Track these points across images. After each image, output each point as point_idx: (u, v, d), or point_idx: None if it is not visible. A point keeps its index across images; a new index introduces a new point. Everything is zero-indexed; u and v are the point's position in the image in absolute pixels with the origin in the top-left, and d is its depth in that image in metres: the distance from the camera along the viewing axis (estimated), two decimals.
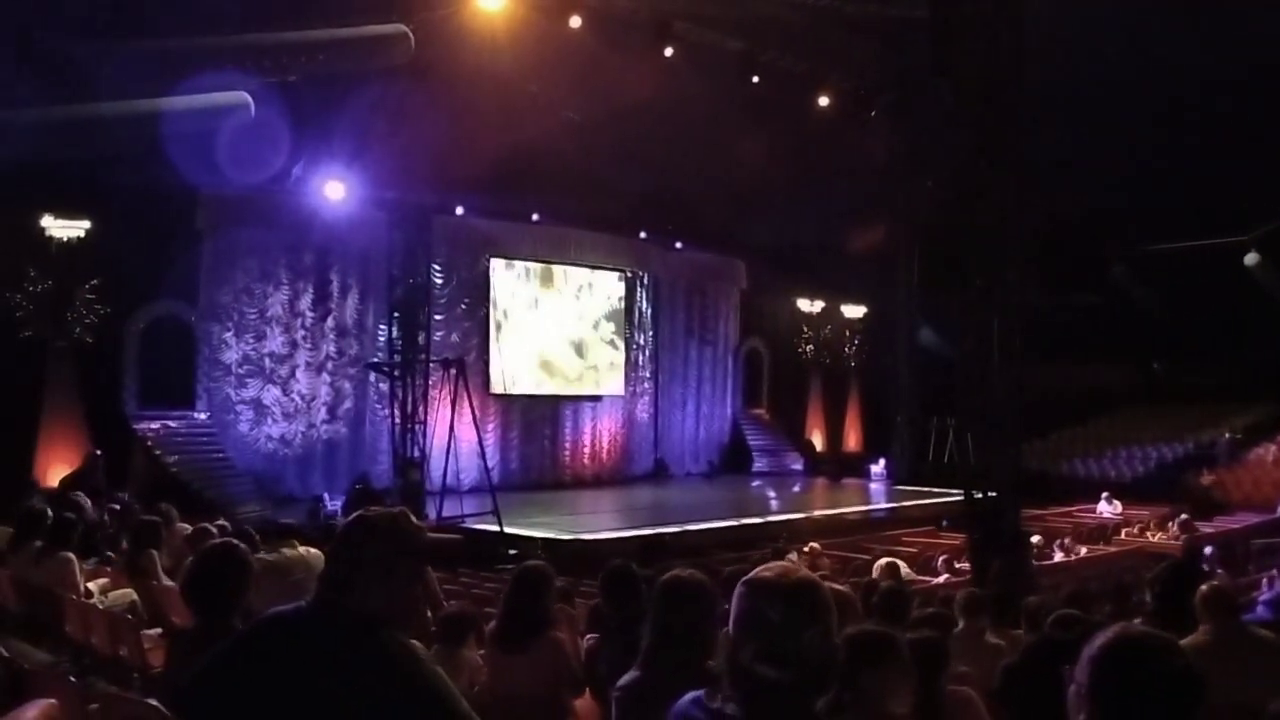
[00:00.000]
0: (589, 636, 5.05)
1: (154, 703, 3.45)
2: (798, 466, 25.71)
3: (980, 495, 11.08)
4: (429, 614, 5.90)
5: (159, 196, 15.21)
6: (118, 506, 12.16)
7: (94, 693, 3.99)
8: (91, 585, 6.83)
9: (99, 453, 14.29)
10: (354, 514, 2.47)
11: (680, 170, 18.97)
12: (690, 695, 1.98)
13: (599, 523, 16.73)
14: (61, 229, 15.15)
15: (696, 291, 25.39)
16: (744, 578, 2.00)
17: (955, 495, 17.45)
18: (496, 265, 21.40)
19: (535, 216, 21.22)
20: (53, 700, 3.48)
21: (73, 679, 4.16)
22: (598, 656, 4.30)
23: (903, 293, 23.63)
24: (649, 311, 24.34)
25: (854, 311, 26.84)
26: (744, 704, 1.90)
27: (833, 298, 26.30)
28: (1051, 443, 23.38)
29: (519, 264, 21.83)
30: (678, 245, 24.07)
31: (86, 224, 15.20)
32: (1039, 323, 14.95)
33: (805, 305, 26.31)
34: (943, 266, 14.26)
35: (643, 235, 23.22)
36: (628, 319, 23.84)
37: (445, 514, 15.80)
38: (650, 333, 24.36)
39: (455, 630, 4.89)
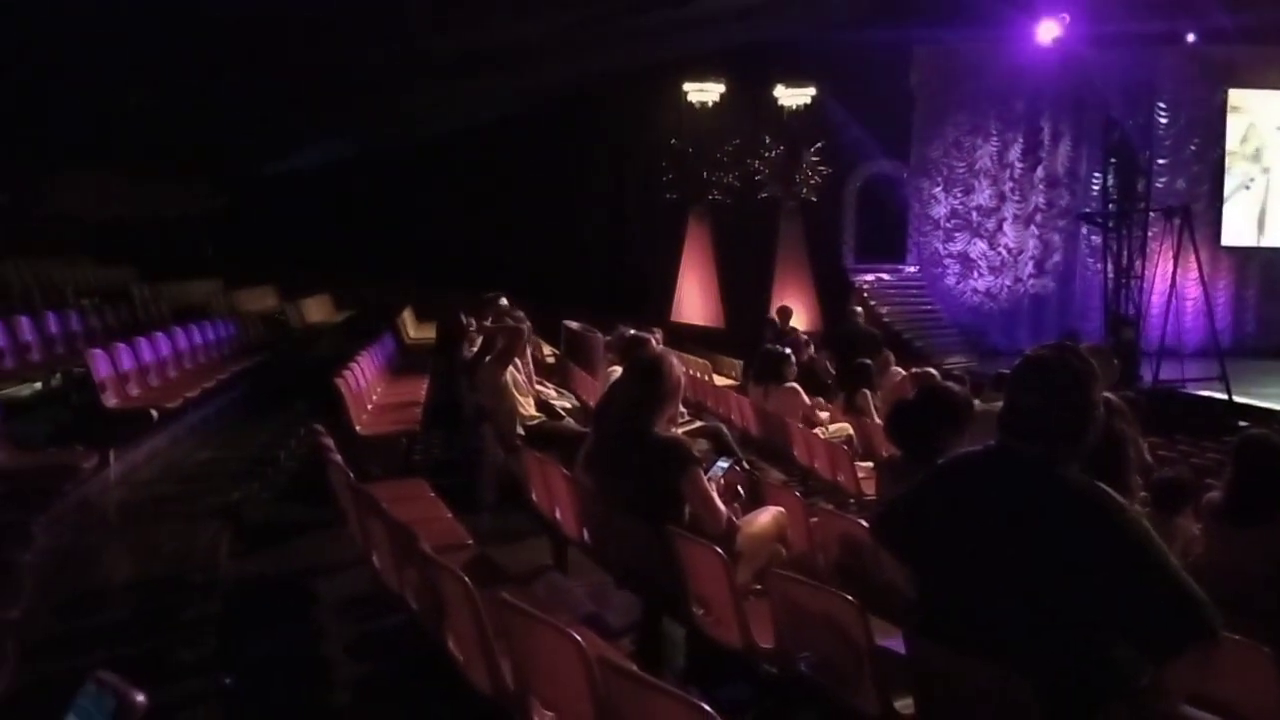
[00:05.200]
0: None
1: (863, 523, 3.79)
2: None
3: None
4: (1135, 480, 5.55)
5: (876, 60, 15.89)
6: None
7: (815, 508, 4.51)
8: (817, 416, 7.63)
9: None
10: (1023, 355, 2.41)
11: None
12: None
13: None
14: (791, 97, 16.65)
15: None
16: None
17: None
18: (1236, 98, 18.48)
19: None
20: (782, 509, 4.02)
21: (798, 494, 4.75)
22: None
23: None
24: None
25: None
26: None
27: None
28: None
29: (1267, 94, 18.56)
30: None
31: (812, 91, 16.50)
32: None
33: None
34: None
35: None
36: None
37: (1163, 377, 14.56)
38: None
39: (1169, 496, 4.54)
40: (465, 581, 2.85)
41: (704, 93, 16.79)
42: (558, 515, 4.77)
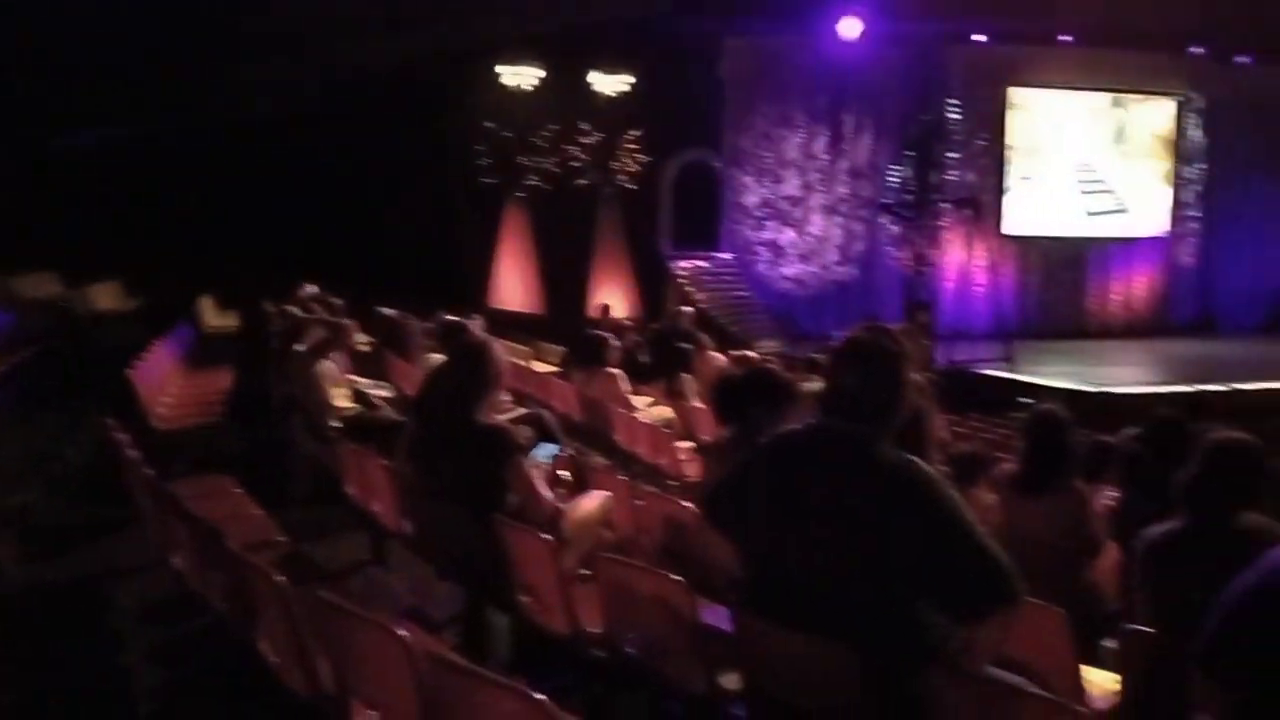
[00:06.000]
0: (1109, 496, 4.71)
1: (687, 504, 3.85)
2: None
3: None
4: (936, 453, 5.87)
5: (689, 49, 16.17)
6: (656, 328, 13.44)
7: (639, 491, 4.54)
8: (635, 401, 7.70)
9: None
10: (844, 337, 2.50)
11: None
12: None
13: (1128, 376, 15.35)
14: (608, 84, 16.73)
15: (1265, 115, 21.46)
16: None
17: None
18: (1017, 96, 19.83)
19: (1065, 38, 19.15)
20: (607, 493, 4.03)
21: (623, 478, 4.77)
22: (1127, 512, 4.00)
23: None
24: (1201, 141, 21.14)
25: None
26: None
27: None
28: None
29: (1043, 93, 20.02)
30: (1241, 60, 20.37)
31: (630, 79, 16.63)
32: None
33: None
34: None
35: (1196, 50, 19.96)
36: (1173, 150, 20.97)
37: (955, 358, 15.50)
38: (1201, 165, 21.20)
39: (966, 469, 4.81)
40: (277, 580, 2.71)
41: (519, 77, 16.65)
42: (376, 508, 4.63)
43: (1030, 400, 12.54)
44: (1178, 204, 21.10)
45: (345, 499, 4.95)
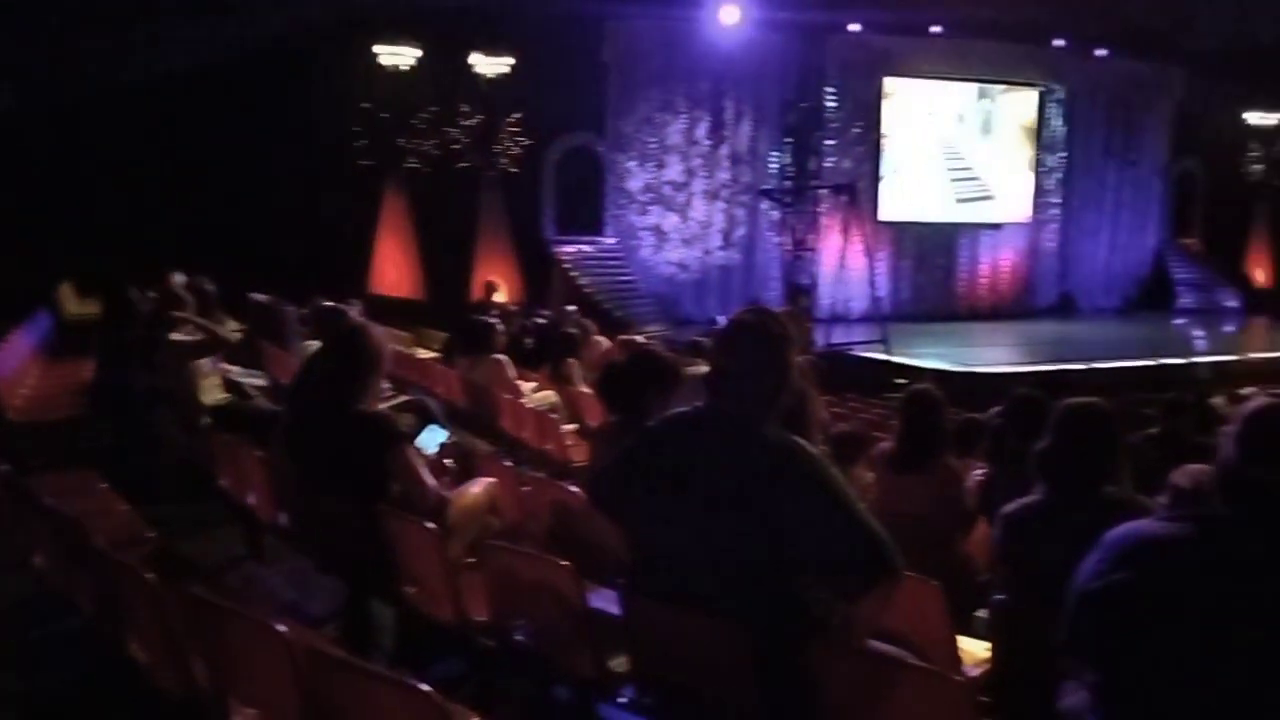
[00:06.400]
0: (978, 470, 4.90)
1: (574, 488, 3.84)
2: (1232, 304, 22.80)
3: None
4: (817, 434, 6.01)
5: (570, 30, 16.06)
6: (543, 321, 13.41)
7: (525, 477, 4.52)
8: (521, 386, 7.64)
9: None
10: (729, 320, 2.54)
11: None
12: (1139, 522, 1.87)
13: (995, 356, 16.00)
14: (488, 65, 16.49)
15: (1119, 106, 22.61)
16: (1264, 401, 1.88)
17: None
18: (891, 85, 20.39)
19: (935, 29, 19.76)
20: (493, 479, 3.99)
21: (508, 464, 4.73)
22: (994, 486, 4.16)
23: None
24: (1062, 130, 22.13)
25: None
26: (1241, 514, 1.78)
27: None
28: None
29: (916, 82, 20.63)
30: (1099, 52, 21.39)
31: (510, 60, 16.42)
32: None
33: (1256, 119, 22.67)
34: None
35: (1058, 43, 20.87)
36: (1036, 139, 21.89)
37: (834, 341, 15.88)
38: (1062, 154, 22.20)
39: (846, 448, 4.93)
40: (147, 578, 2.60)
41: (397, 57, 16.27)
42: (251, 500, 4.48)
43: (905, 381, 12.96)
44: (1040, 191, 22.05)
45: (218, 492, 4.79)
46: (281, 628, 2.22)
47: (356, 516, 3.47)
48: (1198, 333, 19.52)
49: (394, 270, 17.04)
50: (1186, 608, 1.73)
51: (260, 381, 6.78)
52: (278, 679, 2.22)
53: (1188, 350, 17.17)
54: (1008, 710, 2.65)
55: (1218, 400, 9.46)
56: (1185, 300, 22.85)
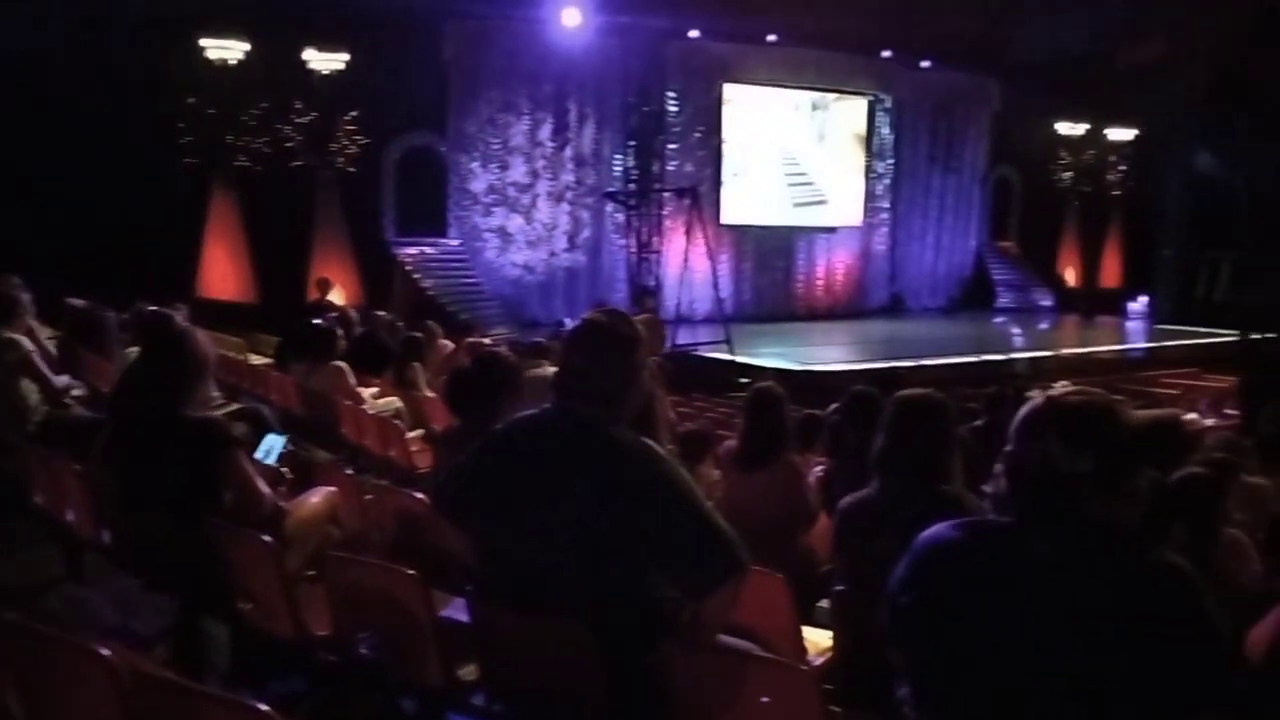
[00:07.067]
0: (818, 465, 5.06)
1: (419, 495, 3.76)
2: (1047, 303, 24.38)
3: (1258, 335, 10.12)
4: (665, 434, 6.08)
5: (409, 27, 15.73)
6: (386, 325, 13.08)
7: (368, 485, 4.39)
8: (362, 392, 7.44)
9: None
10: (580, 321, 2.53)
11: None
12: (948, 524, 1.90)
13: (832, 355, 16.58)
14: (323, 62, 15.98)
15: (943, 115, 23.84)
16: (1047, 395, 1.92)
17: (1226, 335, 16.14)
18: (731, 91, 20.85)
19: (772, 37, 20.34)
20: (333, 488, 3.87)
21: (350, 472, 4.59)
22: (834, 479, 4.30)
23: (1180, 113, 21.30)
24: (890, 138, 23.15)
25: (1120, 135, 24.57)
26: (1028, 515, 1.81)
27: (1097, 120, 24.12)
28: None
29: (754, 89, 21.17)
30: (924, 64, 22.50)
31: (345, 57, 15.96)
32: None
33: (1065, 129, 24.29)
34: (1233, 81, 12.66)
35: (886, 54, 21.81)
36: (867, 146, 22.82)
37: (679, 342, 16.12)
38: (890, 160, 23.23)
39: (693, 447, 5.02)
40: None
41: (225, 50, 15.57)
42: (69, 517, 4.21)
43: (748, 380, 13.28)
44: (871, 196, 22.99)
45: (33, 509, 4.47)
46: (105, 652, 2.09)
47: (186, 530, 3.30)
48: (1015, 330, 20.75)
49: (223, 273, 16.29)
50: (972, 612, 1.76)
51: (78, 391, 6.37)
52: (102, 706, 2.09)
53: (1007, 347, 18.23)
54: (850, 697, 2.73)
55: (1034, 394, 10.07)
56: (1004, 299, 24.26)
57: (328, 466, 4.94)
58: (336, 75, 16.08)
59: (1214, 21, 18.43)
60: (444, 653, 2.76)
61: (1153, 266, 23.23)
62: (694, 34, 19.37)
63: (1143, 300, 22.66)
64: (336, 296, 15.03)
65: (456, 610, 2.80)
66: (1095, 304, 23.31)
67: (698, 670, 2.40)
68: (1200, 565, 2.73)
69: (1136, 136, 24.48)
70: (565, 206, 19.38)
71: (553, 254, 19.34)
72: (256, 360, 10.28)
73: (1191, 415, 10.61)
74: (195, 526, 3.28)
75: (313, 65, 16.02)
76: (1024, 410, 1.89)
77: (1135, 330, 21.47)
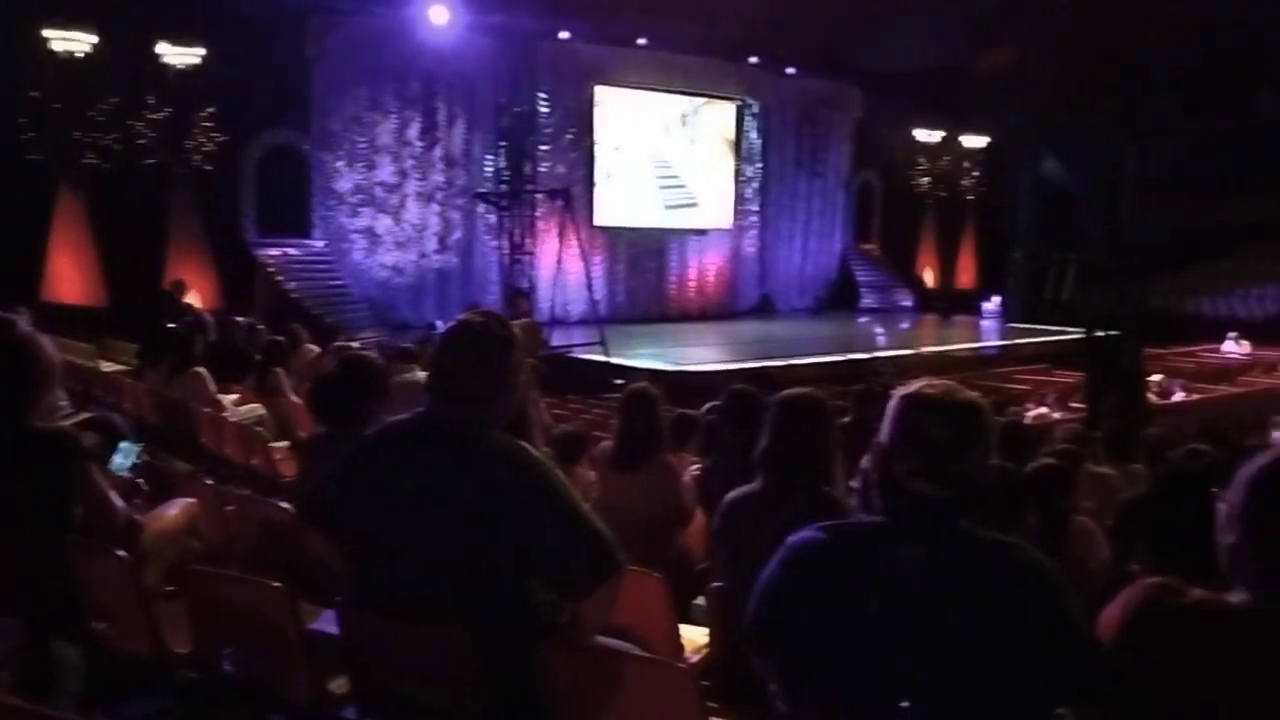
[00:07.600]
0: (694, 466, 5.11)
1: (284, 505, 3.63)
2: (907, 303, 25.29)
3: (1101, 333, 10.72)
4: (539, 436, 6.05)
5: (269, 21, 15.21)
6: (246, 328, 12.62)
7: (230, 495, 4.23)
8: (223, 400, 7.17)
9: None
10: (455, 322, 2.48)
11: None
12: (814, 526, 1.89)
13: (704, 356, 16.81)
14: (177, 56, 15.32)
15: (807, 121, 24.48)
16: (905, 393, 1.89)
17: (1073, 333, 17.04)
18: (602, 94, 20.91)
19: (641, 41, 20.49)
20: (192, 500, 3.70)
21: (210, 482, 4.41)
22: (711, 477, 4.35)
23: (1028, 121, 22.39)
24: (758, 142, 23.63)
25: (974, 142, 25.70)
26: (894, 517, 1.82)
27: (953, 127, 25.15)
28: (1179, 280, 22.28)
29: (625, 92, 21.28)
30: (789, 71, 23.03)
31: (202, 51, 15.33)
32: (1174, 152, 14.00)
33: (923, 135, 25.24)
34: (1075, 90, 13.38)
35: (753, 60, 22.24)
36: (736, 150, 23.22)
37: (554, 344, 16.07)
38: (759, 164, 23.71)
39: (568, 449, 4.99)
40: None
41: (72, 42, 14.76)
42: None
43: (623, 381, 13.32)
44: (740, 199, 23.42)
45: None
46: None
47: (31, 547, 3.10)
48: (879, 330, 21.45)
49: (70, 276, 15.44)
50: (835, 614, 1.77)
51: None
52: None
53: (871, 346, 18.81)
54: (727, 694, 2.76)
55: (898, 391, 10.42)
56: (868, 300, 25.06)
57: (186, 477, 4.74)
58: (192, 70, 15.43)
59: (1055, 33, 19.44)
60: (312, 666, 2.68)
61: (1005, 268, 24.34)
62: (564, 35, 19.34)
63: (996, 300, 23.73)
64: (193, 299, 14.41)
65: (326, 623, 2.72)
66: (952, 304, 24.29)
67: (577, 671, 2.39)
68: (1052, 552, 2.88)
69: (989, 144, 25.62)
70: (435, 207, 19.09)
71: (423, 255, 19.02)
72: (108, 367, 9.80)
73: (1041, 409, 11.19)
74: (42, 542, 3.09)
75: (167, 59, 15.34)
76: (891, 405, 1.91)
77: (989, 329, 22.49)
